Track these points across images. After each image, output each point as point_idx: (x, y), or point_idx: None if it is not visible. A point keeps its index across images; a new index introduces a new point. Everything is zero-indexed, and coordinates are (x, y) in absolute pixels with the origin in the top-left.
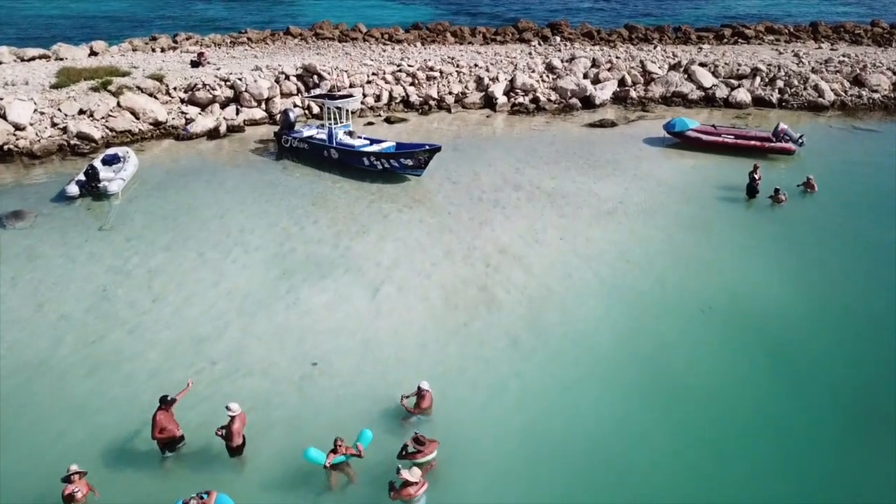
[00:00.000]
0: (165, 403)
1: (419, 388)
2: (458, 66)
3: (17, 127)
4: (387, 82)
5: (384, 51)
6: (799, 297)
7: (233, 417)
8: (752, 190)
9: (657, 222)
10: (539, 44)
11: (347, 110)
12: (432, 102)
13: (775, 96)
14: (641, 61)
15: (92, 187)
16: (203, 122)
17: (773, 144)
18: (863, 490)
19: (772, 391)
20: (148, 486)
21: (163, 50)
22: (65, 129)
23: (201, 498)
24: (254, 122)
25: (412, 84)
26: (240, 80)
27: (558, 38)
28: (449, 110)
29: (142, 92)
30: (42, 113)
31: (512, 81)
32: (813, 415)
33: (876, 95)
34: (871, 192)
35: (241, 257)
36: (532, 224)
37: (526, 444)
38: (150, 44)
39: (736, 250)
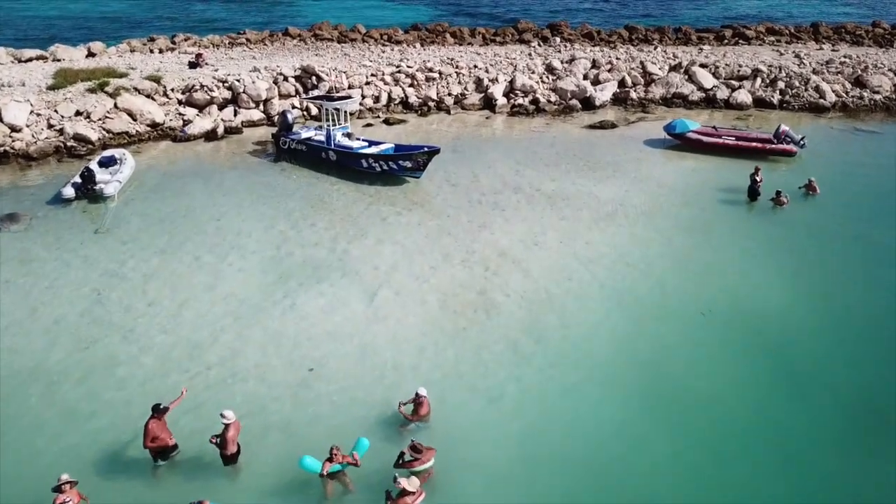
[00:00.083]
0: (158, 412)
1: (417, 394)
2: (457, 67)
3: (14, 129)
4: (386, 83)
5: (383, 52)
6: (799, 300)
7: (227, 425)
8: (753, 192)
9: (657, 225)
10: (539, 45)
11: (346, 112)
12: (431, 104)
13: (776, 97)
14: (642, 62)
15: (88, 190)
16: (201, 124)
17: (774, 146)
18: (863, 492)
19: (772, 393)
20: (140, 496)
21: (161, 51)
22: (61, 131)
23: None
24: (252, 124)
25: (411, 85)
26: (238, 81)
27: (558, 39)
28: (448, 112)
29: (139, 93)
30: (38, 114)
31: (511, 83)
32: (813, 417)
33: (877, 97)
34: (873, 194)
35: (238, 261)
36: (531, 227)
37: (525, 449)
38: (148, 45)
39: (737, 253)
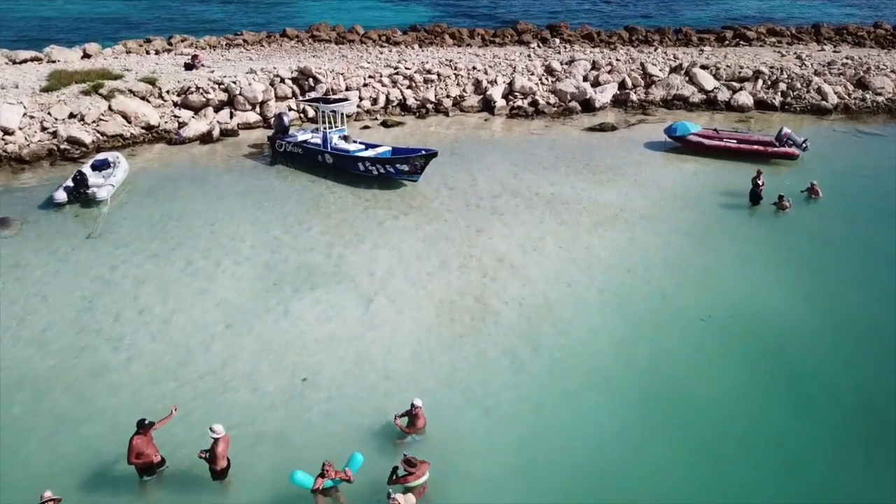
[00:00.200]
0: (143, 428)
1: (412, 405)
2: (455, 68)
3: (6, 131)
4: (383, 85)
5: (381, 53)
6: (801, 305)
7: (216, 440)
8: (755, 196)
9: (657, 229)
10: (538, 46)
11: (343, 114)
12: (430, 106)
13: (778, 99)
14: (642, 63)
15: (80, 193)
16: (196, 126)
17: (776, 149)
18: (863, 495)
19: (772, 397)
20: None
21: (157, 52)
22: (55, 134)
23: None
24: (248, 126)
25: (409, 87)
26: (234, 83)
27: (558, 41)
28: (446, 114)
29: (134, 95)
30: (32, 117)
31: (510, 84)
32: (813, 421)
33: (880, 98)
34: (876, 198)
35: (231, 267)
36: (530, 232)
37: (523, 456)
38: (144, 46)
39: (738, 258)
